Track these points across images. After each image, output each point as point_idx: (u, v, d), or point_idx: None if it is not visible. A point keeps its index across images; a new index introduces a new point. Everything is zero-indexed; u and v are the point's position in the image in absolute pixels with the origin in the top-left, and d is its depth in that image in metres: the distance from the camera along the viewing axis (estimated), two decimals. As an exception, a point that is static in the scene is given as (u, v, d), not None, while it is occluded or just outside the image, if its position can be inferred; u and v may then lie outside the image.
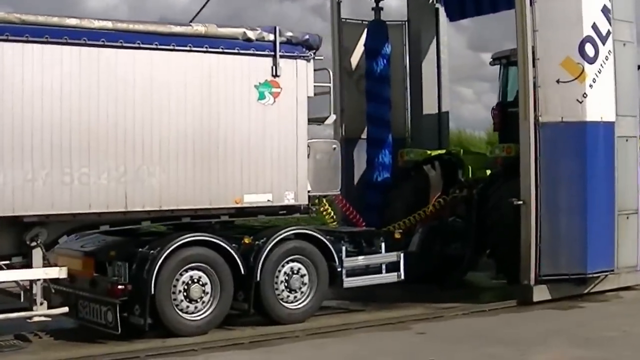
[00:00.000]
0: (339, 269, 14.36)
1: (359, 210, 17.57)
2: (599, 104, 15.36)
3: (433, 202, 17.36)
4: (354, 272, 14.60)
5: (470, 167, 17.74)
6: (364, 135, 18.80)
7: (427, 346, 12.51)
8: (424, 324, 13.94)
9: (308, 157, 14.27)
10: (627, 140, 16.05)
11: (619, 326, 13.36)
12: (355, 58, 18.86)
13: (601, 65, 15.31)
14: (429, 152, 18.09)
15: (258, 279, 13.55)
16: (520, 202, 15.21)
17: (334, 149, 14.71)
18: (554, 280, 15.29)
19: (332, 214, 16.36)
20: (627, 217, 16.17)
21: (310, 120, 14.40)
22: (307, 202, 14.24)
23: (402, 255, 14.90)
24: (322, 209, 15.62)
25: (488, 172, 17.41)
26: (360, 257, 14.66)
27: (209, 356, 12.01)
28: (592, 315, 14.53)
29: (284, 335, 13.09)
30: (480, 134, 30.93)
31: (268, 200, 13.87)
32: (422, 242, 16.85)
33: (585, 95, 15.21)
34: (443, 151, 18.28)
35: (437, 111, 19.47)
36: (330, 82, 14.63)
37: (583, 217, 15.27)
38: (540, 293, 15.23)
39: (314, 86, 14.33)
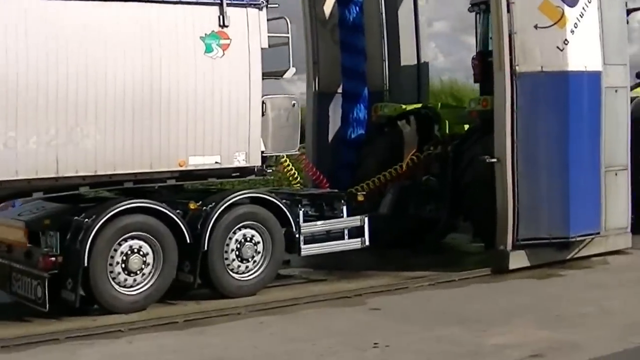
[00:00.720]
0: (297, 236, 13.24)
1: (334, 169, 16.64)
2: (582, 52, 14.10)
3: (406, 160, 16.16)
4: (313, 239, 13.50)
5: (447, 122, 16.47)
6: (340, 90, 17.56)
7: (376, 326, 11.30)
8: (383, 297, 12.79)
9: (263, 114, 13.11)
10: (616, 91, 14.83)
11: (598, 300, 12.15)
12: (328, 6, 17.55)
13: (583, 8, 14.04)
14: (403, 106, 16.85)
15: (205, 248, 12.48)
16: (495, 160, 13.99)
17: (293, 105, 13.52)
18: (534, 245, 14.12)
19: (295, 174, 15.20)
20: (616, 174, 15.02)
21: (267, 75, 13.30)
22: (260, 164, 13.08)
23: (366, 219, 13.75)
24: (285, 170, 14.47)
25: (467, 127, 16.12)
26: (320, 222, 13.55)
27: (133, 338, 10.86)
28: (570, 285, 13.33)
29: (225, 312, 11.98)
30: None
31: (216, 162, 12.77)
32: (393, 203, 15.72)
33: (566, 42, 13.95)
34: (419, 105, 17.00)
35: (416, 62, 18.10)
36: (288, 33, 13.43)
37: (565, 175, 14.07)
38: (518, 260, 14.06)
39: (269, 37, 13.16)
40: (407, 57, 18.04)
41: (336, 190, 14.52)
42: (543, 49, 13.91)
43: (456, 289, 13.29)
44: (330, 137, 17.43)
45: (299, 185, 15.42)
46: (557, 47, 13.92)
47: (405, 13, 18.10)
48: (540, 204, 14.07)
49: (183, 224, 12.28)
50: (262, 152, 13.13)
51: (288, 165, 14.77)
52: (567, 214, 14.09)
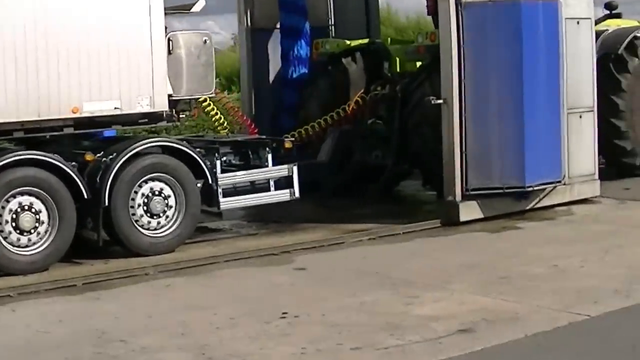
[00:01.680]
0: (214, 188, 11.76)
1: (275, 113, 15.38)
2: (537, -23, 12.49)
3: (352, 101, 14.64)
4: (234, 191, 12.04)
5: (398, 60, 14.86)
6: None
7: (293, 291, 9.91)
8: (313, 254, 11.40)
9: (170, 53, 11.58)
10: (578, 23, 13.29)
11: (552, 258, 10.64)
12: None
13: None
14: (347, 42, 15.27)
15: (106, 203, 11.06)
16: (441, 101, 12.47)
17: (205, 42, 11.98)
18: (487, 196, 12.62)
19: (222, 119, 13.69)
20: (580, 116, 13.52)
21: (173, 9, 12.01)
22: (167, 108, 11.56)
23: (294, 168, 12.29)
24: (210, 114, 12.99)
25: (419, 64, 14.53)
26: (240, 173, 12.08)
27: (18, 305, 9.51)
28: (525, 240, 11.82)
29: (131, 273, 10.65)
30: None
31: (115, 108, 11.30)
32: (333, 150, 14.26)
33: (518, -34, 12.38)
34: (366, 41, 15.39)
35: (363, -7, 16.49)
36: None
37: (519, 117, 12.56)
38: (469, 211, 12.61)
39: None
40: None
41: (259, 137, 13.00)
42: (493, -25, 12.38)
43: (398, 244, 11.90)
44: (270, 78, 15.89)
45: (226, 131, 13.89)
46: (509, -27, 12.39)
47: None
48: (491, 150, 12.62)
49: (78, 177, 10.91)
50: (170, 95, 11.66)
51: (212, 109, 13.26)
52: (522, 161, 12.62)
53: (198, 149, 11.80)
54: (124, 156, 11.17)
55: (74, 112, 11.07)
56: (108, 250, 11.46)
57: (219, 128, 13.76)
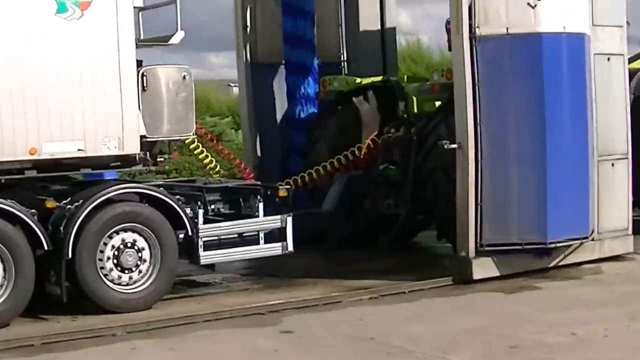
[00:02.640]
0: (195, 240, 10.54)
1: (283, 156, 14.32)
2: (560, 9, 11.28)
3: (365, 144, 13.39)
4: (218, 244, 10.77)
5: (415, 99, 13.57)
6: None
7: (275, 358, 8.79)
8: (303, 315, 10.17)
9: (144, 89, 10.41)
10: (609, 59, 12.01)
11: (574, 324, 9.30)
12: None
13: (564, -50, 11.19)
14: (358, 79, 14.02)
15: (69, 255, 9.89)
16: (455, 146, 11.18)
17: (184, 77, 10.78)
18: (505, 251, 11.27)
19: (213, 163, 12.50)
20: (613, 164, 12.17)
21: (148, 41, 10.93)
22: (138, 151, 10.41)
23: (289, 219, 11.02)
24: (200, 157, 11.82)
25: (438, 104, 13.24)
26: (225, 224, 10.81)
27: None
28: (544, 303, 10.46)
29: (96, 333, 9.45)
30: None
31: (79, 150, 10.12)
32: (341, 197, 13.03)
33: (539, -4, 11.14)
34: (379, 78, 14.13)
35: (379, 27, 15.17)
36: None
37: (541, 164, 11.27)
38: (483, 268, 11.30)
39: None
40: (368, 20, 15.20)
41: (255, 183, 11.76)
42: (510, 5, 11.18)
43: (401, 305, 10.61)
44: (277, 117, 14.69)
45: (217, 175, 12.67)
46: (528, 4, 11.13)
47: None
48: (510, 201, 11.33)
49: (36, 226, 9.75)
50: (144, 136, 10.48)
51: (202, 151, 12.07)
52: (544, 215, 11.28)
53: (178, 196, 10.57)
54: (90, 204, 10.01)
55: (32, 154, 9.92)
56: (81, 305, 10.27)
57: (211, 172, 12.51)
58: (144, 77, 10.42)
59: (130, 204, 10.31)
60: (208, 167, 12.60)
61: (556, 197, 11.26)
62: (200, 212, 10.63)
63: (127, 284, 10.27)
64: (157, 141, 10.75)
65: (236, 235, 10.95)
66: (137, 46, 10.57)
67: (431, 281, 11.29)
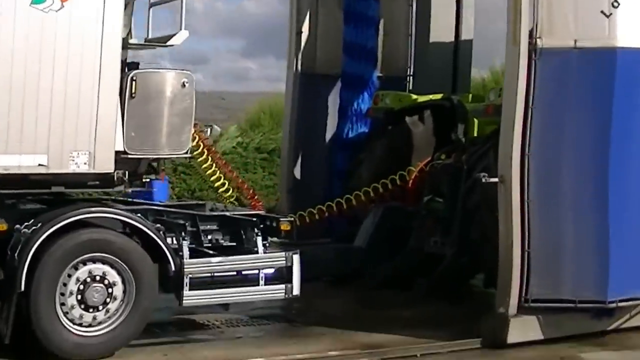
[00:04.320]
0: (181, 277, 8.94)
1: (325, 177, 12.81)
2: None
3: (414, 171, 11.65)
4: (209, 282, 9.16)
5: (477, 121, 11.69)
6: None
7: None
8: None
9: (132, 96, 8.89)
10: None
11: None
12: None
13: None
14: (414, 96, 12.25)
15: (22, 287, 8.39)
16: (496, 180, 9.32)
17: (184, 84, 9.17)
18: (553, 309, 9.35)
19: (226, 186, 10.95)
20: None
21: (147, 42, 9.49)
22: (112, 169, 8.90)
23: (295, 257, 9.33)
24: (208, 172, 10.39)
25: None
26: (216, 260, 9.16)
27: None
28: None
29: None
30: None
31: (40, 165, 8.62)
32: (375, 232, 11.22)
33: (615, 4, 9.17)
34: (438, 96, 12.28)
35: (453, 39, 13.35)
36: None
37: (602, 208, 9.29)
38: (523, 330, 9.38)
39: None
40: (441, 32, 13.38)
41: (256, 212, 10.06)
42: (579, 13, 9.25)
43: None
44: (326, 136, 13.04)
45: (232, 197, 11.14)
46: (602, 12, 9.20)
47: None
48: (562, 250, 9.36)
49: (-15, 253, 8.29)
50: (124, 152, 8.93)
51: (210, 166, 10.55)
52: (605, 268, 9.29)
53: (157, 225, 9.00)
54: (50, 227, 8.51)
55: None
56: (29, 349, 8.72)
57: (225, 196, 10.92)
58: (133, 82, 8.88)
59: (100, 230, 8.77)
60: (217, 186, 11.03)
61: (620, 248, 9.28)
62: (185, 243, 9.04)
63: (90, 325, 8.68)
64: (142, 159, 9.23)
65: (234, 273, 9.34)
66: (126, 47, 9.12)
67: (454, 343, 9.41)
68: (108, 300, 8.74)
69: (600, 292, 9.31)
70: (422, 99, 12.28)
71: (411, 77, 13.58)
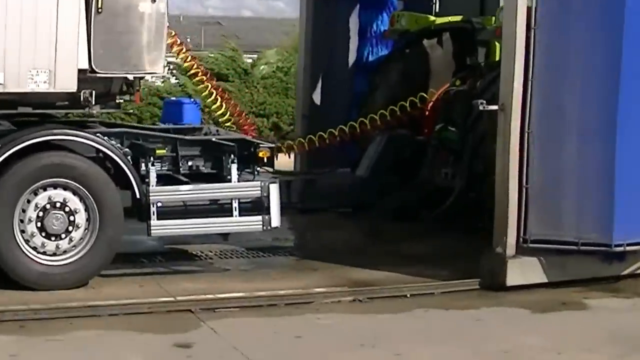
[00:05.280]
0: (148, 204, 8.46)
1: (342, 101, 12.30)
2: None
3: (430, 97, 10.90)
4: (179, 211, 8.62)
5: (498, 45, 10.82)
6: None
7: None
8: (233, 320, 7.78)
9: (99, 11, 8.31)
10: None
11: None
12: None
13: None
14: (432, 17, 11.41)
15: (-20, 211, 8.02)
16: (495, 108, 8.55)
17: (154, 0, 8.57)
18: (556, 251, 8.57)
19: (222, 108, 10.36)
20: None
21: None
22: (75, 89, 8.35)
23: (273, 186, 8.74)
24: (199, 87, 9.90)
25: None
26: (185, 188, 8.62)
27: None
28: (576, 332, 7.64)
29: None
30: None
31: None
32: (377, 162, 10.52)
33: None
34: (458, 18, 11.43)
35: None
36: None
37: (609, 139, 8.44)
38: (523, 272, 8.65)
39: None
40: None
41: (237, 137, 9.45)
42: None
43: (378, 316, 8.02)
44: (348, 61, 12.34)
45: (230, 122, 10.58)
46: None
47: None
48: (564, 185, 8.58)
49: None
50: (90, 70, 8.38)
51: (201, 81, 10.00)
52: (610, 207, 8.46)
53: (124, 149, 8.48)
54: (6, 151, 8.09)
55: None
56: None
57: (221, 119, 10.34)
58: None
59: (61, 154, 8.31)
60: (213, 108, 10.44)
61: (628, 184, 8.45)
62: (153, 169, 8.51)
63: (54, 254, 8.30)
64: (113, 78, 8.68)
65: (208, 203, 8.78)
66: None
67: (450, 283, 8.74)
68: (71, 228, 8.32)
69: (605, 234, 8.51)
70: (440, 20, 11.46)
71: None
